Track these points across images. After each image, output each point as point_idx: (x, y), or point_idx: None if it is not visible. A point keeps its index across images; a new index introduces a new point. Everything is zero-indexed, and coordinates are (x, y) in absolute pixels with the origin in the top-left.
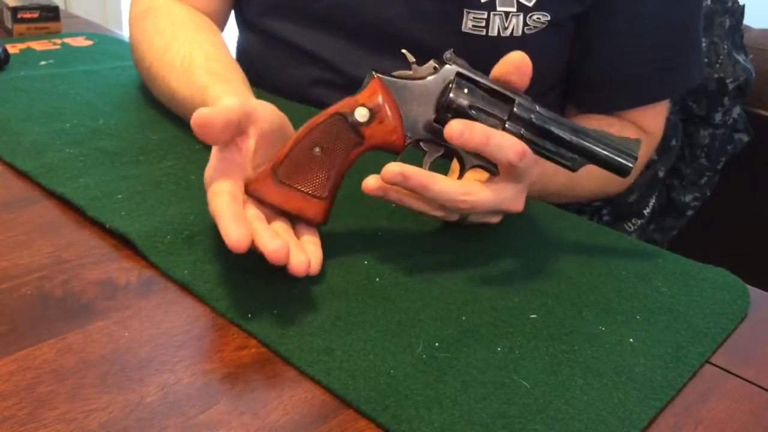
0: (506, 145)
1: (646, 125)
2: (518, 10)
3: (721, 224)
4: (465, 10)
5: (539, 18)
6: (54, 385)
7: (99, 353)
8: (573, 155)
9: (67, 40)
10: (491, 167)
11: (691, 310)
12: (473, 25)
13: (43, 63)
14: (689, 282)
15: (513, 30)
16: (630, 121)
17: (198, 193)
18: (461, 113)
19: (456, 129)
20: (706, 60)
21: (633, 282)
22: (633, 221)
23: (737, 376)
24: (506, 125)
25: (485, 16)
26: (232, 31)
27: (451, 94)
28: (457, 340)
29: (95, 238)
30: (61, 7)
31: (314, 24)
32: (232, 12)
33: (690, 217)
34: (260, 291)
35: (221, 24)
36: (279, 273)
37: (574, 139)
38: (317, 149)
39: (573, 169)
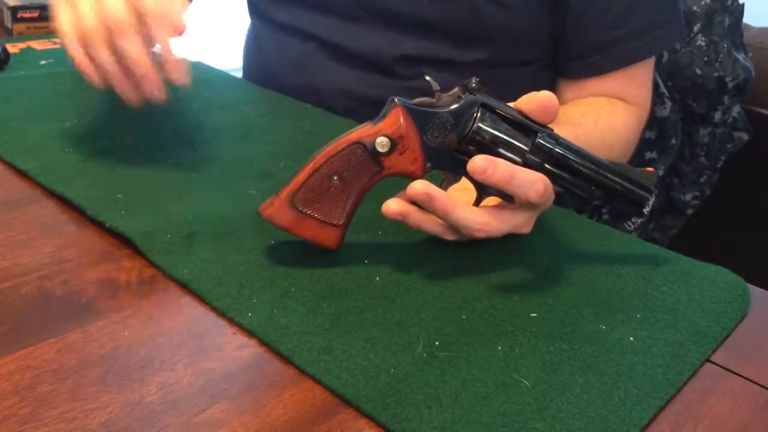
0: (528, 183)
1: (632, 97)
2: None
3: (721, 223)
4: None
5: None
6: (54, 385)
7: (99, 352)
8: (591, 187)
9: None
10: (508, 197)
11: (692, 308)
12: None
13: (43, 62)
14: (689, 281)
15: None
16: (617, 98)
17: (198, 193)
18: (484, 144)
19: (480, 165)
20: (705, 59)
21: (633, 281)
22: (633, 220)
23: (737, 374)
24: (527, 157)
25: None
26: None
27: (474, 125)
28: (457, 339)
29: (95, 237)
30: None
31: (309, 6)
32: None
33: (690, 216)
34: (260, 290)
35: None
36: (279, 271)
37: (594, 172)
38: (335, 178)
39: (588, 201)
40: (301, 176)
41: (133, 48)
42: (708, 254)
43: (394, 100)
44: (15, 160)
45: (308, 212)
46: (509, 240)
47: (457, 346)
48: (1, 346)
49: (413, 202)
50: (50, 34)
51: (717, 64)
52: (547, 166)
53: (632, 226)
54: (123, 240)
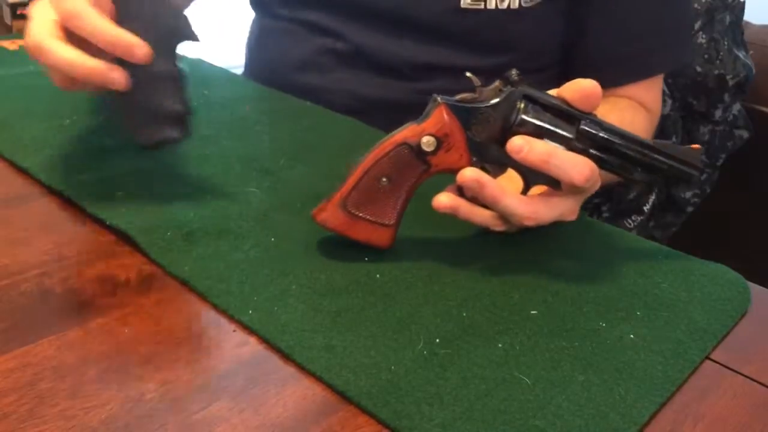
0: (570, 165)
1: (648, 102)
2: None
3: (721, 221)
4: None
5: None
6: (54, 382)
7: (99, 350)
8: (638, 168)
9: None
10: (554, 184)
11: (692, 306)
12: (471, 0)
13: None
14: (689, 278)
15: (509, 3)
16: (637, 101)
17: (199, 190)
18: (528, 135)
19: (516, 144)
20: (705, 56)
21: (633, 278)
22: (633, 218)
23: (737, 372)
24: (573, 144)
25: None
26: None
27: (518, 117)
28: (457, 337)
29: (95, 234)
30: None
31: (325, 8)
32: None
33: (690, 214)
34: (260, 287)
35: None
36: (280, 269)
37: (639, 154)
38: (384, 179)
39: (635, 181)
40: (352, 180)
41: (59, 57)
42: (708, 252)
43: (436, 99)
44: (14, 157)
45: (360, 214)
46: (509, 238)
47: (458, 343)
48: (0, 343)
49: (461, 195)
50: None
51: (717, 61)
52: (592, 151)
53: (632, 224)
54: (123, 237)
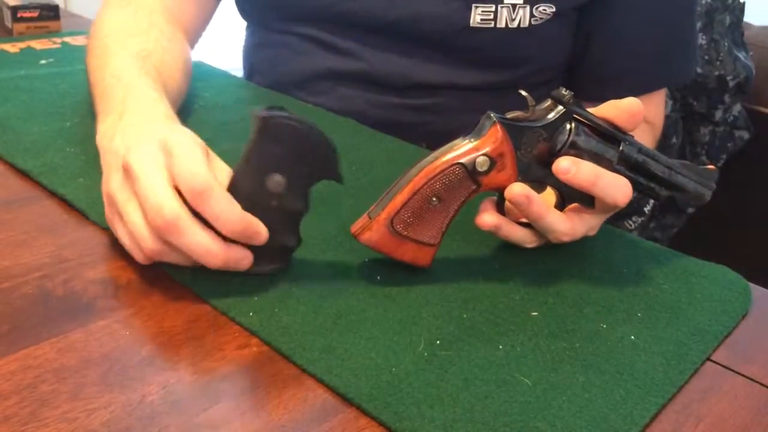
0: (616, 188)
1: (650, 116)
2: (525, 2)
3: (722, 222)
4: (473, 5)
5: (545, 9)
6: (55, 384)
7: (100, 352)
8: (661, 188)
9: (66, 39)
10: (588, 202)
11: (693, 307)
12: (481, 19)
13: (43, 62)
14: (690, 279)
15: (520, 21)
16: None
17: None
18: (576, 156)
19: (564, 166)
20: (706, 57)
21: (634, 279)
22: (633, 219)
23: (738, 373)
24: (613, 165)
25: (493, 9)
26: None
27: (569, 139)
28: (458, 338)
29: (96, 237)
30: (61, 6)
31: (330, 26)
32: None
33: (690, 215)
34: (261, 289)
35: (193, 38)
36: (280, 272)
37: (667, 175)
38: (435, 199)
39: (657, 199)
40: (400, 198)
41: (195, 241)
42: (709, 253)
43: (491, 117)
44: (15, 159)
45: (408, 234)
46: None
47: (459, 345)
48: (2, 346)
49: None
50: (50, 33)
51: (718, 62)
52: (626, 171)
53: (633, 225)
54: None
